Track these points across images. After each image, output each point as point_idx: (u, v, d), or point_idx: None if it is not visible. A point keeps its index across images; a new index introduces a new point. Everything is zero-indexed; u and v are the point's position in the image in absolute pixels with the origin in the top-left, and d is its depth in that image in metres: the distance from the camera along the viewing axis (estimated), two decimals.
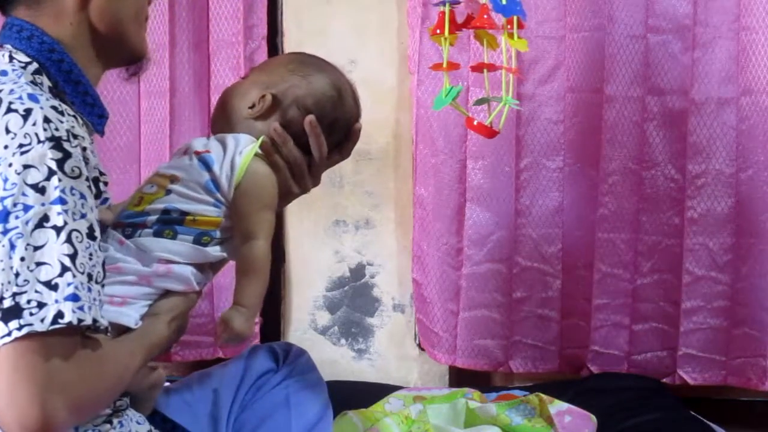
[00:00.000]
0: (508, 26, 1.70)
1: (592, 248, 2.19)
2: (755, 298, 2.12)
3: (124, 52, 1.25)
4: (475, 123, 1.77)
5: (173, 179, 1.29)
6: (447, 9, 1.71)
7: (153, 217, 1.26)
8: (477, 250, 2.23)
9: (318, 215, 2.34)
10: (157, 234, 1.26)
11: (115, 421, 1.18)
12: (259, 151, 1.32)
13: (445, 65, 1.75)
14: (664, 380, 2.20)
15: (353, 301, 2.37)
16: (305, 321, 2.39)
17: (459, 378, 2.36)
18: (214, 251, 1.29)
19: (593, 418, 1.89)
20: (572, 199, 2.22)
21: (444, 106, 1.76)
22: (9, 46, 1.16)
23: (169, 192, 1.28)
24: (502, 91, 1.71)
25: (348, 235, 2.36)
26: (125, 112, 2.26)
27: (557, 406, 1.88)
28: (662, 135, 2.15)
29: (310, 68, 1.40)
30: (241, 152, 1.30)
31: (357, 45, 2.30)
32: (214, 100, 2.25)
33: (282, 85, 1.38)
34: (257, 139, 1.34)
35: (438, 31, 1.73)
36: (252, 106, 1.36)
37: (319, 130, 1.36)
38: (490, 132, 1.75)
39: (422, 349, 2.33)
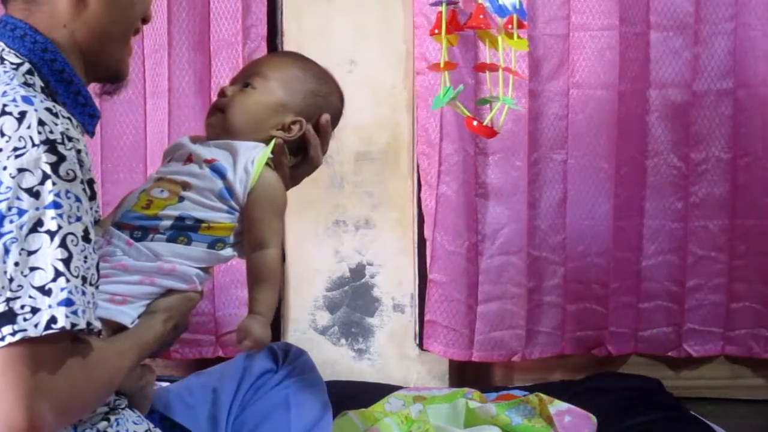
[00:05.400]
0: (509, 26, 1.70)
1: (602, 235, 2.28)
2: (756, 274, 2.26)
3: (102, 68, 1.24)
4: (475, 123, 1.77)
5: (185, 186, 1.29)
6: (444, 9, 1.71)
7: (166, 223, 1.27)
8: (490, 244, 2.28)
9: (318, 215, 2.34)
10: (171, 240, 1.27)
11: (112, 418, 1.19)
12: (270, 155, 1.34)
13: (442, 65, 1.75)
14: (670, 354, 2.32)
15: (353, 301, 2.37)
16: (305, 321, 2.39)
17: (459, 377, 2.37)
18: (227, 253, 1.32)
19: (593, 418, 1.90)
20: (579, 190, 2.29)
21: (442, 106, 1.77)
22: (2, 44, 1.16)
23: (182, 199, 1.28)
24: (500, 91, 1.72)
25: (348, 235, 2.36)
26: (131, 112, 2.26)
27: (557, 406, 1.89)
28: (665, 126, 2.26)
29: (328, 87, 1.45)
30: (253, 160, 1.31)
31: (357, 45, 2.30)
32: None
33: (309, 109, 1.41)
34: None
35: (437, 31, 1.73)
36: (282, 128, 1.38)
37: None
38: (489, 132, 1.76)
39: (423, 349, 2.33)
